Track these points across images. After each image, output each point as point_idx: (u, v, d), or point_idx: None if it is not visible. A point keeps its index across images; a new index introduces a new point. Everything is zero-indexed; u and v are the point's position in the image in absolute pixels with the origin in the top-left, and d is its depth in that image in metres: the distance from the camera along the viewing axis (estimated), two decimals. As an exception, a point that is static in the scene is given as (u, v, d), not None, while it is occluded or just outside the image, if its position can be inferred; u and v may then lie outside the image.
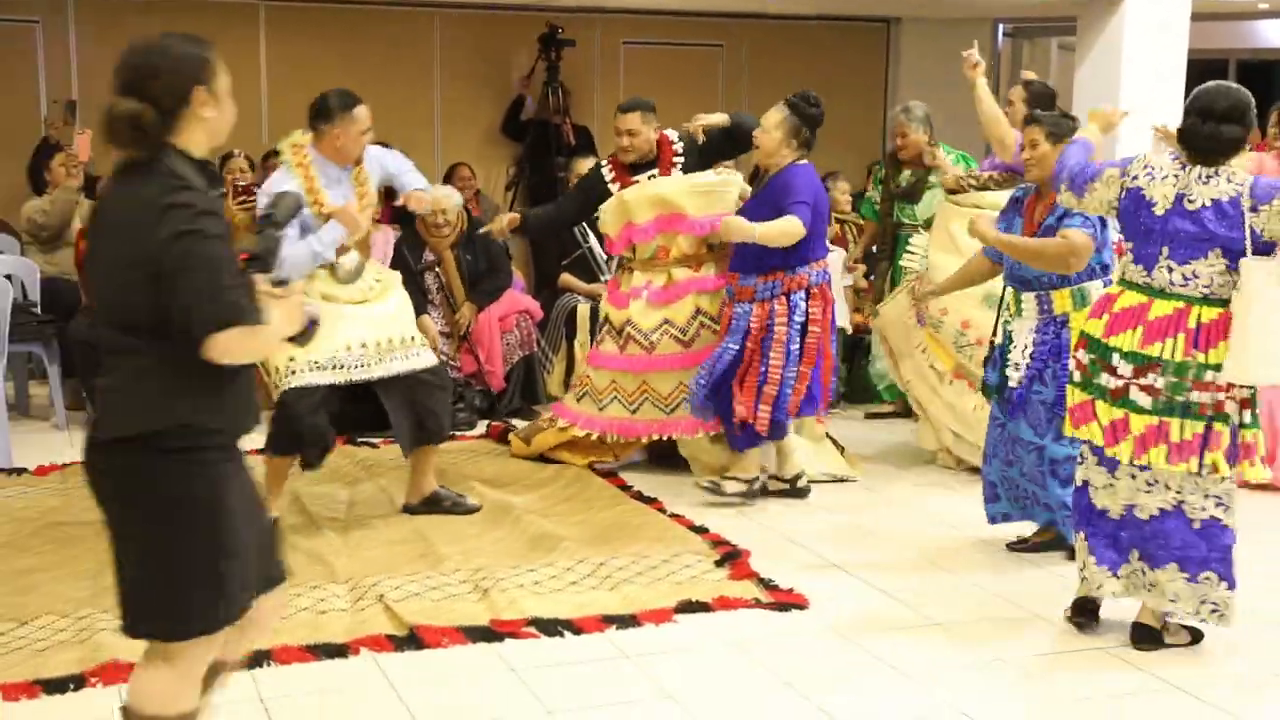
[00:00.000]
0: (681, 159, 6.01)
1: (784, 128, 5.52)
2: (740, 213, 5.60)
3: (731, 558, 4.89)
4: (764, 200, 5.54)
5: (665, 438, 5.99)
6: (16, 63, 9.82)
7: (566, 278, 7.69)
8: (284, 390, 4.99)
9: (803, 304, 5.49)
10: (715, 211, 5.78)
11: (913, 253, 6.59)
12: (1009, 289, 4.92)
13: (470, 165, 9.50)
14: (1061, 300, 4.75)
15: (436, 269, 7.18)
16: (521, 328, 7.33)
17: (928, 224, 6.72)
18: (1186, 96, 4.17)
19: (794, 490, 5.72)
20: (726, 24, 11.61)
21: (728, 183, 5.93)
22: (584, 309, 7.40)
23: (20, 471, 6.04)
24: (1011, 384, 4.85)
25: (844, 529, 5.41)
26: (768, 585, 4.65)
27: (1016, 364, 4.84)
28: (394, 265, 6.70)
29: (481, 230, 6.49)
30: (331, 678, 3.88)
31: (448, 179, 9.08)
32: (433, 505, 5.43)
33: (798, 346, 5.48)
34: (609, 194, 6.01)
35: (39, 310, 7.19)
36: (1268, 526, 5.33)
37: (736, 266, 5.62)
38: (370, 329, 5.16)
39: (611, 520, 5.35)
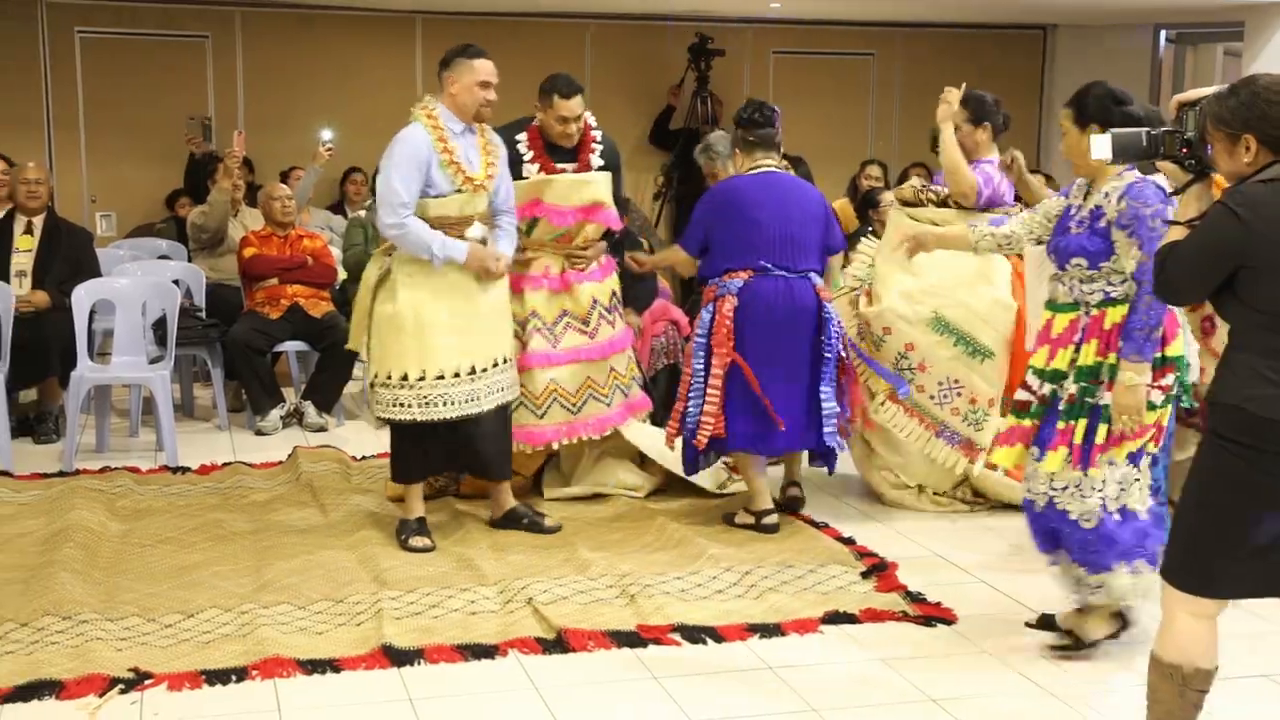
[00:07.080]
0: (600, 146, 5.72)
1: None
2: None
3: (878, 569, 4.86)
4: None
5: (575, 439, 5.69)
6: (189, 77, 10.22)
7: None
8: (381, 417, 5.10)
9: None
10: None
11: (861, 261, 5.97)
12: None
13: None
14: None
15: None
16: (669, 335, 7.36)
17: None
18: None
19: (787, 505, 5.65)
20: (878, 33, 11.50)
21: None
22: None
23: (184, 470, 6.28)
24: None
25: (994, 544, 5.33)
26: (915, 598, 4.61)
27: None
28: None
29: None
30: (479, 679, 3.95)
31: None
32: (511, 522, 5.38)
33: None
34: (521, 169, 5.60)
35: (204, 315, 7.46)
36: None
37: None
38: (479, 349, 5.06)
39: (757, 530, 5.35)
